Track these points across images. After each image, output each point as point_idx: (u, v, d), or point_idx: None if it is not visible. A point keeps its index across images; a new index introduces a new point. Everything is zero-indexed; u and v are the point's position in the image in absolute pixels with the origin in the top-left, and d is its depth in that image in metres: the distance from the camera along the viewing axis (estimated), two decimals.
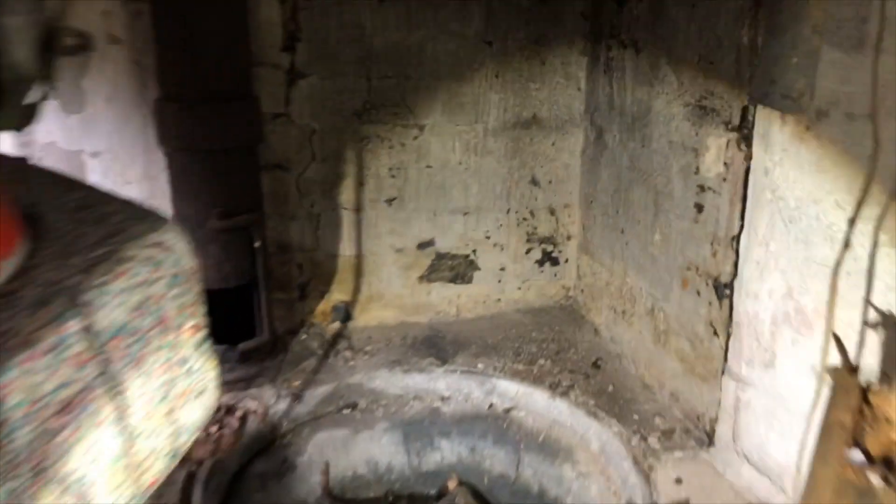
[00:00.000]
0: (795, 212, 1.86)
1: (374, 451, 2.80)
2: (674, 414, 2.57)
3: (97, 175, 2.64)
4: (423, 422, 2.85)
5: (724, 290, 2.23)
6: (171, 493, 2.10)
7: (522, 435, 2.74)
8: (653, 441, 2.41)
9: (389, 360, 3.01)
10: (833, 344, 1.40)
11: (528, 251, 3.39)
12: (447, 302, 3.37)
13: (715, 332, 2.29)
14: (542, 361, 3.00)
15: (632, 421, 2.54)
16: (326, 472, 2.65)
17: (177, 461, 1.44)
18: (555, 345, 3.14)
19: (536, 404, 2.80)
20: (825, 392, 1.77)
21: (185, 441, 1.43)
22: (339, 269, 3.17)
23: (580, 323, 3.33)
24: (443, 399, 2.91)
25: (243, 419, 2.47)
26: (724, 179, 2.17)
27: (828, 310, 1.73)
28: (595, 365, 2.96)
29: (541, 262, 3.43)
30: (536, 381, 2.86)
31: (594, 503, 2.33)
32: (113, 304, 1.06)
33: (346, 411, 2.82)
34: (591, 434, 2.58)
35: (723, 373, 2.26)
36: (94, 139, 2.61)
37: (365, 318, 3.28)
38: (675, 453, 2.34)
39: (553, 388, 2.80)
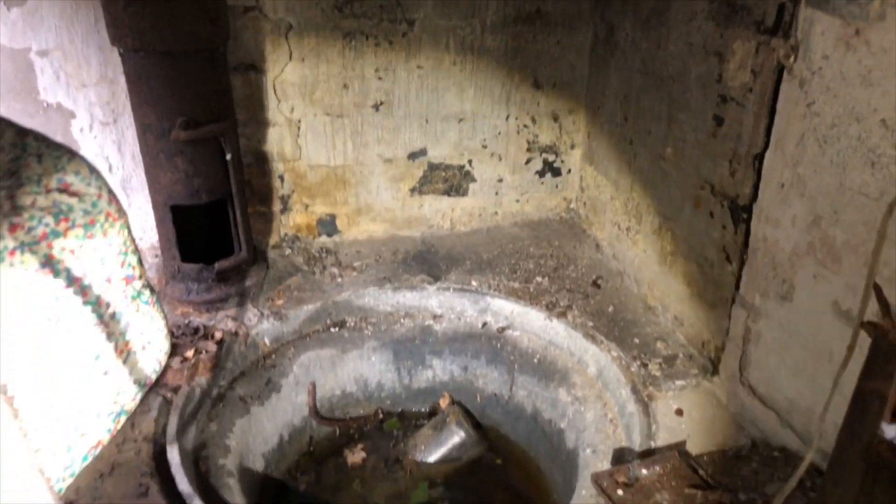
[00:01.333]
0: (832, 130, 1.63)
1: (363, 369, 2.70)
2: (677, 339, 2.43)
3: (48, 78, 2.37)
4: (415, 340, 2.73)
5: (740, 213, 2.02)
6: (146, 422, 2.00)
7: (517, 356, 2.63)
8: (653, 368, 2.29)
9: (379, 276, 2.85)
10: (870, 290, 1.22)
11: (527, 161, 3.16)
12: (440, 215, 3.18)
13: (727, 258, 2.11)
14: (539, 279, 2.85)
15: (632, 345, 2.42)
16: (313, 392, 2.56)
17: (124, 418, 1.30)
18: (553, 261, 2.98)
19: (532, 324, 2.67)
20: (845, 335, 1.62)
21: (131, 398, 1.29)
22: (324, 181, 2.95)
23: (581, 238, 3.15)
24: (435, 317, 2.78)
25: (221, 342, 2.34)
26: (750, 90, 1.91)
27: (863, 246, 1.54)
28: (595, 284, 2.81)
29: (541, 174, 3.20)
30: (533, 299, 2.71)
31: (590, 430, 2.24)
32: (6, 262, 0.87)
33: (333, 330, 2.70)
34: (589, 357, 2.47)
35: (733, 301, 2.10)
36: (40, 35, 2.32)
37: (353, 232, 3.10)
38: (677, 382, 2.22)
39: (550, 307, 2.66)
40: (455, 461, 2.57)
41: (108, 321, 1.08)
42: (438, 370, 2.75)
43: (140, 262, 1.14)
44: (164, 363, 1.27)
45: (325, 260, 2.94)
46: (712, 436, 1.98)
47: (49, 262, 0.92)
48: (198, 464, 2.04)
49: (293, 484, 2.48)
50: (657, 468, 1.77)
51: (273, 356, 2.53)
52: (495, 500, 2.50)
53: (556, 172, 3.21)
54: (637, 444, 2.04)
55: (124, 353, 1.14)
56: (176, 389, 2.13)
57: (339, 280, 2.83)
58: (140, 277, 1.15)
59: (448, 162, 3.05)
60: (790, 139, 1.77)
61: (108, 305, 1.06)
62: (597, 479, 1.77)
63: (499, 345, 2.69)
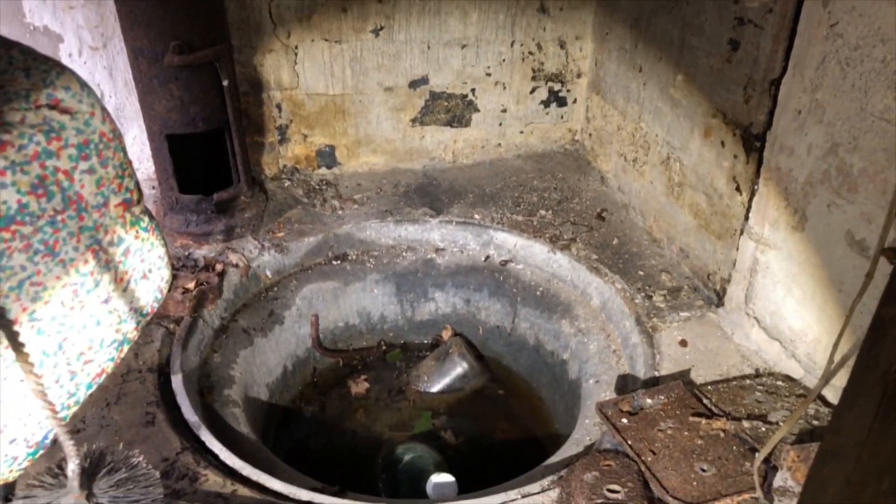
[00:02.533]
0: (856, 52, 1.56)
1: (365, 302, 2.70)
2: (682, 271, 2.42)
3: None
4: (417, 273, 2.72)
5: (753, 141, 1.97)
6: (150, 353, 2.00)
7: (520, 288, 2.62)
8: (658, 300, 2.28)
9: (380, 209, 2.81)
10: (892, 216, 1.18)
11: (532, 90, 3.07)
12: (442, 147, 3.11)
13: (737, 188, 2.07)
14: (543, 212, 2.81)
15: (636, 277, 2.40)
16: (316, 324, 2.56)
17: (127, 347, 1.28)
18: (557, 194, 2.93)
19: (535, 257, 2.65)
20: (858, 264, 1.59)
21: (133, 327, 1.26)
22: (323, 110, 2.87)
23: (586, 170, 3.09)
24: (437, 250, 2.76)
25: (222, 274, 2.32)
26: (770, 11, 1.83)
27: (882, 173, 1.49)
28: (600, 216, 2.77)
29: (546, 103, 3.11)
30: (536, 233, 2.68)
31: (593, 361, 2.25)
32: None
33: (335, 263, 2.68)
34: (593, 290, 2.46)
35: (741, 232, 2.06)
36: None
37: (353, 164, 3.03)
38: (682, 313, 2.21)
39: (554, 240, 2.63)
40: (457, 391, 2.59)
41: (106, 247, 1.04)
42: (441, 303, 2.75)
43: (138, 186, 1.09)
44: (165, 292, 1.24)
45: (325, 192, 2.89)
46: (716, 366, 1.98)
47: (42, 184, 0.88)
48: (202, 394, 2.05)
49: (298, 413, 2.51)
50: (661, 397, 1.78)
51: (275, 288, 2.51)
52: (497, 429, 2.53)
53: (562, 102, 3.12)
54: (641, 374, 2.04)
55: (124, 280, 1.11)
56: (178, 321, 2.13)
57: (340, 213, 2.78)
58: (138, 202, 1.11)
59: (450, 91, 2.96)
60: (810, 63, 1.70)
61: (105, 231, 1.03)
62: (601, 407, 1.77)
63: (501, 278, 2.67)
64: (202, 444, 1.72)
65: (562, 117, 3.16)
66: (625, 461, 1.58)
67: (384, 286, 2.70)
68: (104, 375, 1.18)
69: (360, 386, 2.60)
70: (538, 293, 2.58)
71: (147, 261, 1.17)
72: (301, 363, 2.55)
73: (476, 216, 2.78)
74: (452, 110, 3.02)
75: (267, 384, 2.37)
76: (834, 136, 1.66)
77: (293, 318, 2.50)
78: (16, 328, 0.96)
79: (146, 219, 1.15)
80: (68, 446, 1.03)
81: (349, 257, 2.70)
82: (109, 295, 1.10)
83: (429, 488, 1.84)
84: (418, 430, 2.46)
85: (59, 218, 0.95)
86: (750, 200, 2.02)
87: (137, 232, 1.13)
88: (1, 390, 1.00)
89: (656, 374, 1.99)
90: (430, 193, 2.94)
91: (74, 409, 1.15)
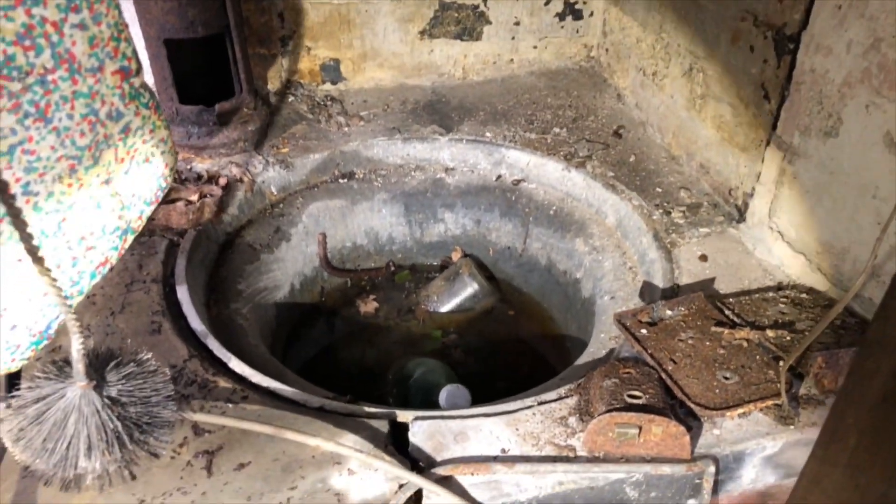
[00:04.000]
0: None
1: (373, 222, 2.63)
2: (702, 187, 2.33)
3: None
4: (426, 193, 2.64)
5: (786, 44, 1.85)
6: (154, 264, 1.94)
7: (532, 208, 2.55)
8: (676, 216, 2.21)
9: (388, 126, 2.71)
10: None
11: (547, 2, 2.92)
12: (452, 62, 2.98)
13: (766, 96, 1.96)
14: (557, 130, 2.70)
15: (654, 194, 2.32)
16: (323, 242, 2.50)
17: (131, 238, 1.21)
18: (572, 111, 2.82)
19: (549, 176, 2.56)
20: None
21: (137, 215, 1.19)
22: (327, 21, 2.73)
23: (602, 87, 2.97)
24: (447, 170, 2.67)
25: (226, 187, 2.24)
26: None
27: None
28: (616, 133, 2.67)
29: (561, 16, 2.97)
30: (550, 151, 2.59)
31: (608, 278, 2.19)
32: None
33: (342, 181, 2.59)
34: (608, 208, 2.38)
35: (768, 143, 1.97)
36: None
37: (358, 79, 2.91)
38: (701, 229, 2.15)
39: (568, 158, 2.54)
40: (467, 311, 2.55)
41: (104, 120, 0.96)
42: (450, 223, 2.68)
43: (136, 55, 1.00)
44: (170, 181, 1.16)
45: (330, 108, 2.78)
46: (738, 280, 1.92)
47: (29, 35, 0.79)
48: (208, 306, 2.00)
49: (305, 332, 2.48)
50: (682, 308, 1.72)
51: (280, 205, 2.44)
52: (508, 349, 2.50)
53: (578, 15, 2.97)
54: (659, 288, 1.99)
55: (125, 161, 1.03)
56: (182, 233, 2.06)
57: (346, 129, 2.68)
58: (137, 74, 1.02)
59: (461, 0, 2.81)
60: None
61: (102, 101, 0.94)
62: (620, 318, 1.72)
63: (513, 197, 2.59)
64: (210, 353, 1.68)
65: (577, 31, 3.01)
66: (644, 369, 1.54)
67: (392, 206, 2.63)
68: (108, 266, 1.11)
69: (369, 305, 2.55)
70: (551, 212, 2.51)
71: (149, 142, 1.10)
72: (308, 282, 2.50)
73: (487, 134, 2.68)
74: (463, 21, 2.87)
75: (274, 302, 2.32)
76: (877, 31, 1.55)
77: (300, 235, 2.43)
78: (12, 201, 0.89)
79: (147, 94, 1.06)
80: (74, 331, 0.97)
81: (356, 176, 2.62)
82: (110, 176, 1.03)
83: (441, 398, 1.80)
84: (429, 349, 2.43)
85: (49, 78, 0.87)
86: (779, 108, 1.92)
87: (138, 108, 1.05)
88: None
89: (676, 287, 1.94)
90: (440, 111, 2.83)
91: (78, 298, 1.09)
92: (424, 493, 1.29)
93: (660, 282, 2.00)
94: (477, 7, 2.84)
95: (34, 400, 1.03)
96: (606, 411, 1.37)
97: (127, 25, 0.96)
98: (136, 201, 1.13)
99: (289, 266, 2.40)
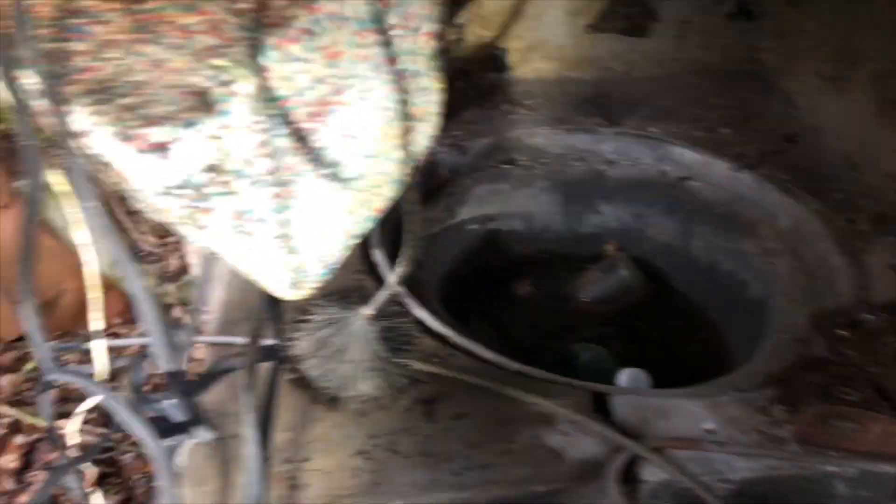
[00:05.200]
0: None
1: (531, 208, 2.69)
2: (889, 197, 2.25)
3: None
4: (585, 184, 2.67)
5: None
6: None
7: (697, 206, 2.54)
8: (861, 224, 2.14)
9: (551, 116, 2.76)
10: None
11: (720, 2, 2.88)
12: (616, 57, 3.00)
13: None
14: (725, 130, 2.67)
15: (834, 200, 2.26)
16: (485, 227, 2.58)
17: (401, 191, 1.32)
18: (739, 112, 2.78)
19: (717, 175, 2.54)
20: None
21: (410, 170, 1.29)
22: (501, 10, 2.81)
23: (770, 91, 2.91)
24: (608, 162, 2.69)
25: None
26: None
27: None
28: (790, 139, 2.61)
29: (733, 17, 2.92)
30: (718, 150, 2.56)
31: (781, 281, 2.16)
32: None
33: (504, 166, 2.67)
34: (781, 211, 2.34)
35: None
36: None
37: (523, 69, 2.98)
38: (890, 238, 2.07)
39: (738, 159, 2.51)
40: (622, 304, 2.57)
41: (412, 77, 1.05)
42: (608, 216, 2.70)
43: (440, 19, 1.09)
44: (435, 140, 1.25)
45: (495, 96, 2.86)
46: None
47: None
48: None
49: (462, 309, 2.56)
50: (884, 314, 1.68)
51: (450, 185, 2.54)
52: (664, 344, 2.50)
53: (750, 16, 2.92)
54: (844, 295, 1.94)
55: (415, 118, 1.13)
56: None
57: (511, 117, 2.75)
58: (439, 37, 1.11)
59: None
60: None
61: (414, 59, 1.03)
62: (816, 317, 1.70)
63: (677, 194, 2.59)
64: (408, 311, 1.78)
65: (748, 33, 2.96)
66: (851, 369, 1.52)
67: (550, 194, 2.68)
68: (380, 215, 1.22)
69: (523, 289, 2.62)
70: (718, 212, 2.49)
71: (430, 103, 1.19)
72: (469, 260, 2.58)
73: (652, 130, 2.68)
74: (632, 17, 2.89)
75: (439, 276, 2.42)
76: None
77: (466, 215, 2.53)
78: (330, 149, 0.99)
79: (439, 58, 1.16)
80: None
81: (518, 162, 2.68)
82: (406, 129, 1.12)
83: (621, 380, 1.84)
84: (583, 337, 2.46)
85: (390, 35, 0.97)
86: None
87: (431, 69, 1.14)
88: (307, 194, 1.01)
89: (866, 296, 1.89)
90: (602, 104, 2.85)
91: (354, 242, 1.20)
92: (640, 460, 1.33)
93: (844, 289, 1.96)
94: (647, 3, 2.85)
95: (321, 326, 1.14)
96: (822, 404, 1.37)
97: None
98: (413, 156, 1.22)
99: (453, 244, 2.50)
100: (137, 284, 0.89)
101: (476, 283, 2.61)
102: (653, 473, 1.32)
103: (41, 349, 0.97)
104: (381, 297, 1.09)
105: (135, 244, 2.94)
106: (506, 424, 1.41)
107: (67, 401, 2.66)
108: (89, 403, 0.97)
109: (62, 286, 2.73)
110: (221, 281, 1.65)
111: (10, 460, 2.40)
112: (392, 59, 0.95)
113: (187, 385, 0.94)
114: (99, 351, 0.98)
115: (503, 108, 2.79)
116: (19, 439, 2.47)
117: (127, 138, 0.73)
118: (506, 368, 1.60)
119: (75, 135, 0.76)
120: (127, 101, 0.74)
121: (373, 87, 0.98)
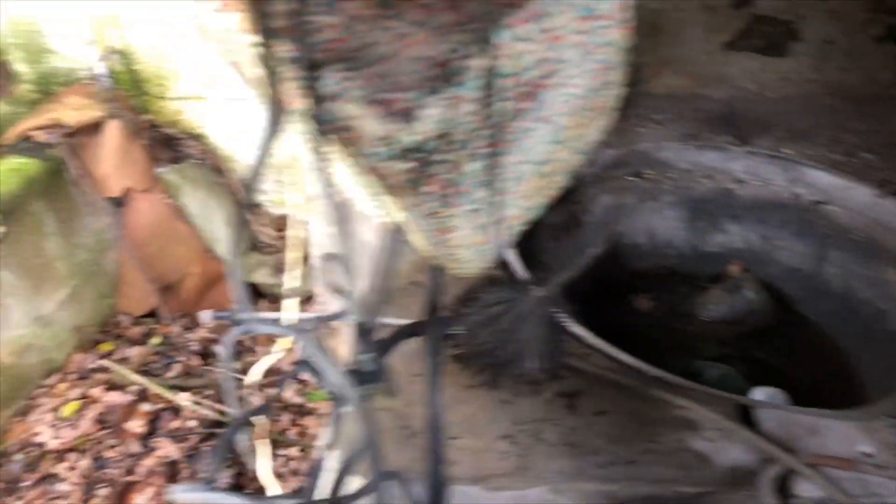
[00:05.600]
0: None
1: (655, 223, 2.66)
2: None
3: None
4: (712, 201, 2.63)
5: None
6: None
7: (832, 231, 2.44)
8: None
9: (681, 132, 2.73)
10: None
11: (867, 21, 2.78)
12: (749, 76, 2.93)
13: None
14: (865, 155, 2.57)
15: None
16: (610, 237, 2.58)
17: (571, 181, 1.35)
18: (882, 138, 2.66)
19: (855, 200, 2.44)
20: None
21: (581, 162, 1.33)
22: (638, 25, 2.81)
23: None
24: (737, 181, 2.63)
25: None
26: None
27: None
28: None
29: (881, 39, 2.81)
30: (858, 175, 2.46)
31: None
32: None
33: (630, 179, 2.66)
34: None
35: None
36: None
37: (654, 83, 2.96)
38: None
39: (881, 185, 2.40)
40: (745, 326, 2.50)
41: (602, 70, 1.08)
42: (734, 235, 2.64)
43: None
44: (606, 135, 1.28)
45: (626, 109, 2.85)
46: None
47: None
48: None
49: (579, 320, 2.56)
50: None
51: (576, 194, 2.55)
52: (789, 371, 2.41)
53: None
54: None
55: (595, 111, 1.16)
56: None
57: (640, 130, 2.74)
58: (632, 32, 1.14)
59: (775, 15, 2.77)
60: None
61: (609, 51, 1.06)
62: None
63: (810, 218, 2.50)
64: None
65: None
66: None
67: (676, 210, 2.65)
68: (552, 202, 1.25)
69: (644, 303, 2.59)
70: (856, 238, 2.39)
71: (610, 98, 1.22)
72: (589, 269, 2.58)
73: (786, 151, 2.61)
74: (771, 36, 2.83)
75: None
76: None
77: (591, 224, 2.53)
78: (530, 131, 1.03)
79: (626, 54, 1.18)
80: None
81: (644, 175, 2.67)
82: (590, 120, 1.15)
83: (758, 398, 1.79)
84: (705, 355, 2.41)
85: (598, 25, 1.00)
86: None
87: (619, 65, 1.17)
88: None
89: None
90: (733, 122, 2.79)
91: (524, 229, 1.24)
92: (794, 475, 1.29)
93: None
94: (791, 23, 2.79)
95: (490, 304, 1.18)
96: None
97: None
98: (585, 148, 1.25)
99: (579, 252, 2.50)
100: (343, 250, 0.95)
101: (595, 293, 2.61)
102: (807, 489, 1.29)
103: (239, 297, 1.05)
104: (559, 280, 1.12)
105: (255, 235, 3.09)
106: (647, 425, 1.40)
107: (190, 375, 2.85)
108: (278, 352, 1.04)
109: (188, 270, 2.90)
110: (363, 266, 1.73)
111: (138, 425, 2.56)
112: (598, 48, 0.99)
113: (378, 343, 1.00)
114: (292, 306, 1.05)
115: (632, 120, 2.79)
116: (146, 407, 2.63)
117: (374, 102, 0.80)
118: (644, 373, 1.59)
119: (323, 98, 0.83)
120: (374, 69, 0.81)
121: (574, 74, 1.02)
